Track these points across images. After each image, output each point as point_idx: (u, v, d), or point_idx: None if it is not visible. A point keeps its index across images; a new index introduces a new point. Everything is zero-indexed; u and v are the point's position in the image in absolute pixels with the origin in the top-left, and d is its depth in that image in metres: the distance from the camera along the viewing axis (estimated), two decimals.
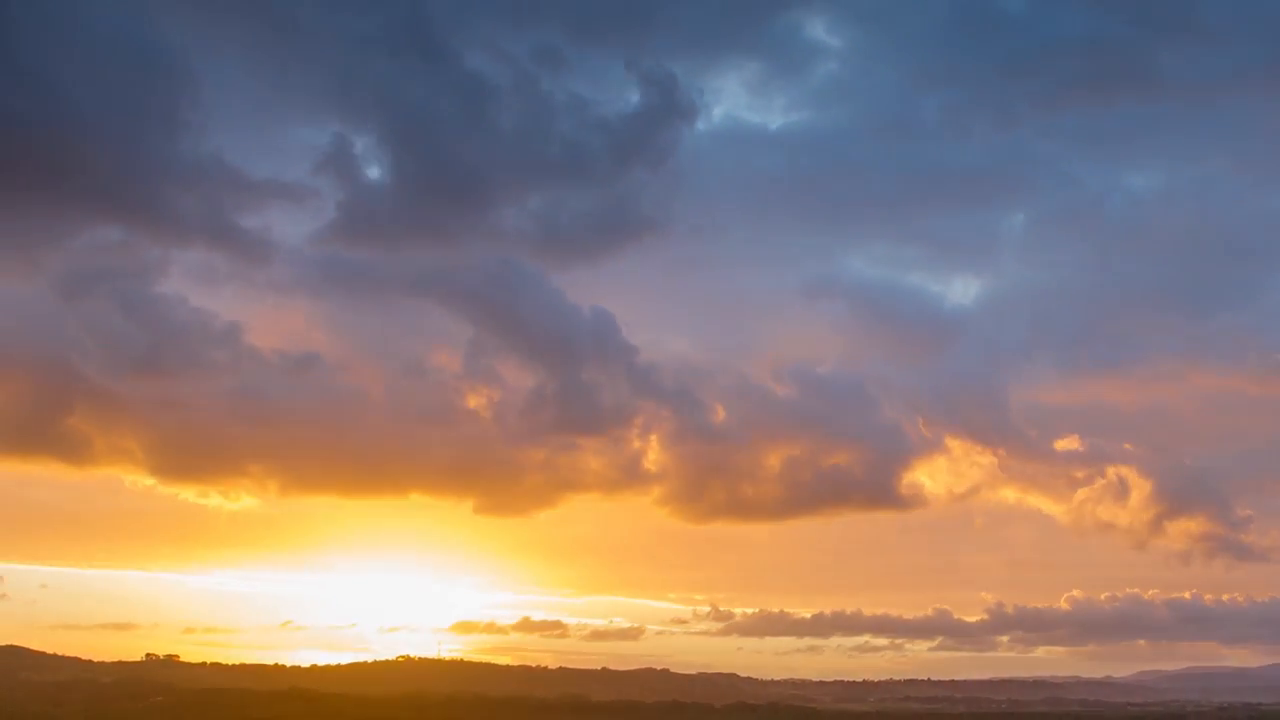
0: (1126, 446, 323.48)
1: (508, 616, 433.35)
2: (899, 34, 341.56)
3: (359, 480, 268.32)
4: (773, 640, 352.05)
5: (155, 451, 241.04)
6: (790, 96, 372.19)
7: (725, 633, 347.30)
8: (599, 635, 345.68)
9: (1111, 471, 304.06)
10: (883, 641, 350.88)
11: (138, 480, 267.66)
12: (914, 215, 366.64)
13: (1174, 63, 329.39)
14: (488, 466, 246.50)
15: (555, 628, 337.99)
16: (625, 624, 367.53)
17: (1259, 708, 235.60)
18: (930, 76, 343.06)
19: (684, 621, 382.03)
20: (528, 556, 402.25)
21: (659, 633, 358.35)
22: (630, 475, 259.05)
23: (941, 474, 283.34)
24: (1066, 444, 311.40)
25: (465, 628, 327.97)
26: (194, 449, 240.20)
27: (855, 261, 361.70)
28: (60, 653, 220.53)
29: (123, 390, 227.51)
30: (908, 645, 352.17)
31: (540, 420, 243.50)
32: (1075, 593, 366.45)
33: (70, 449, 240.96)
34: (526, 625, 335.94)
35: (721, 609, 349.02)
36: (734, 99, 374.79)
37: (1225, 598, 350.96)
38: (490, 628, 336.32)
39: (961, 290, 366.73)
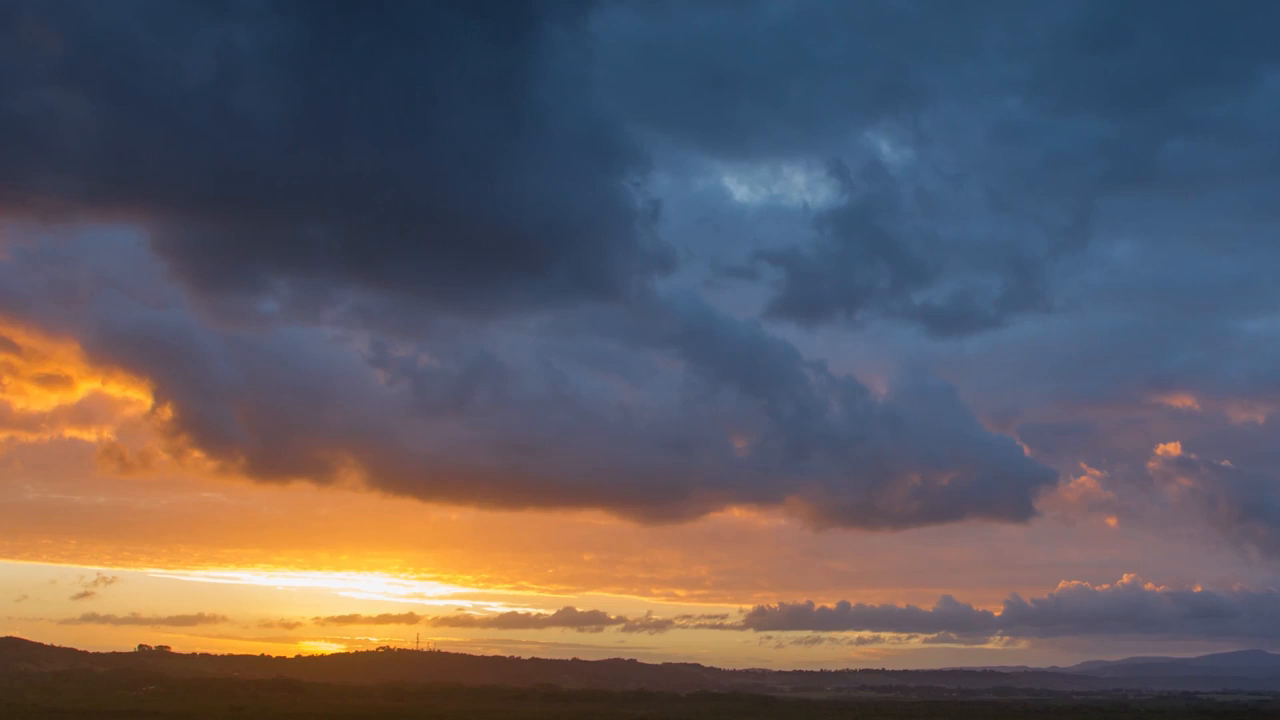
0: (1153, 459, 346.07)
1: (548, 611, 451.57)
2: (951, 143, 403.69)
3: (549, 498, 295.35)
4: (784, 634, 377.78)
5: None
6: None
7: (743, 627, 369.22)
8: (630, 628, 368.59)
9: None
10: (887, 635, 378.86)
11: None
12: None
13: (1173, 159, 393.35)
14: (651, 486, 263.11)
15: (592, 620, 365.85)
16: (659, 618, 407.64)
17: (1196, 696, 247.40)
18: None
19: (723, 617, 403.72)
20: (633, 560, 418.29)
21: (680, 627, 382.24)
22: (761, 493, 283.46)
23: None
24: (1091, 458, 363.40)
25: (510, 620, 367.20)
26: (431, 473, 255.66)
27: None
28: (57, 644, 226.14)
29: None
30: (910, 638, 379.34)
31: (715, 444, 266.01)
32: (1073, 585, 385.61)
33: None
34: (566, 617, 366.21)
35: (761, 607, 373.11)
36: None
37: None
38: (538, 619, 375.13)
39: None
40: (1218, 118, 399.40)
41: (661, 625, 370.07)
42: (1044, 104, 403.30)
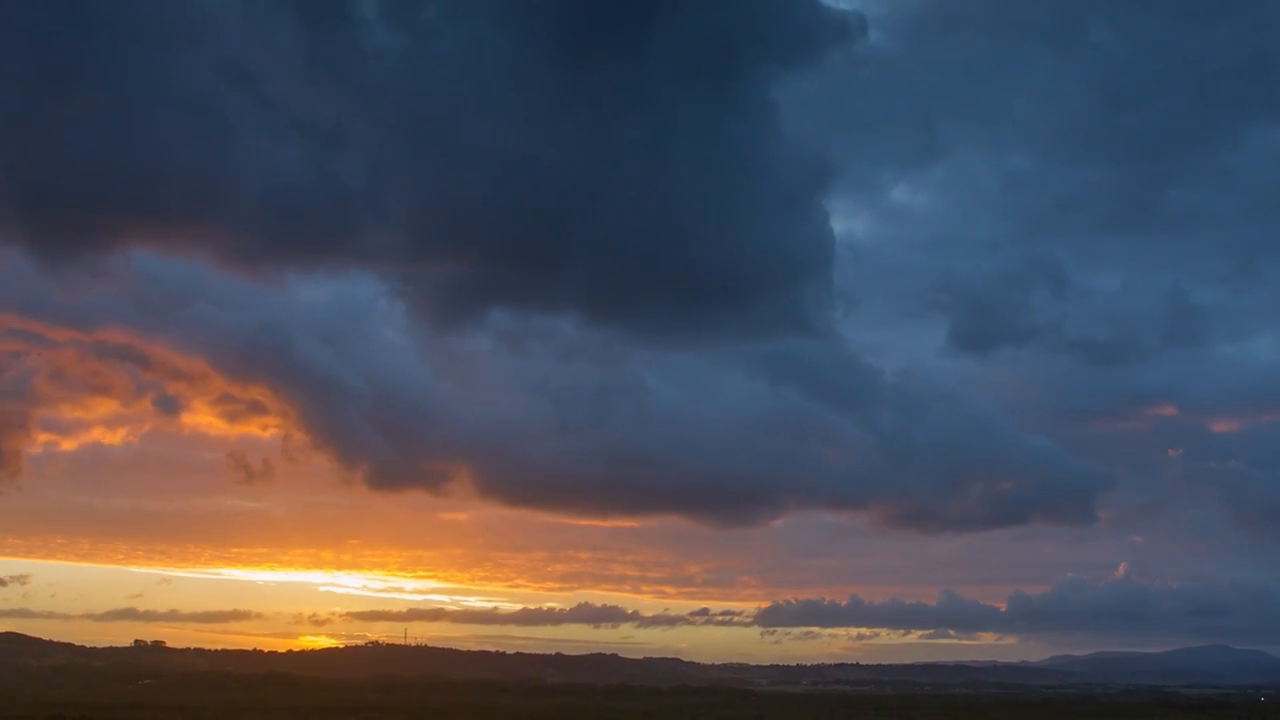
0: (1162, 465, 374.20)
1: (565, 606, 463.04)
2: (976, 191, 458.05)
3: (627, 505, 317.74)
4: (784, 630, 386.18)
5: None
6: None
7: (749, 624, 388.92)
8: (646, 624, 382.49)
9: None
10: (884, 630, 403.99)
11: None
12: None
13: (1172, 204, 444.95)
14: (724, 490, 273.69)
15: (611, 615, 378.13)
16: (673, 614, 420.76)
17: (1163, 690, 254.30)
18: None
19: (736, 613, 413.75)
20: (680, 558, 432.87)
21: (685, 623, 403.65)
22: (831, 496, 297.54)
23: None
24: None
25: (527, 615, 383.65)
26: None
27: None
28: (55, 639, 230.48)
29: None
30: (907, 633, 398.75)
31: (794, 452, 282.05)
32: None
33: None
34: (583, 613, 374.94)
35: (775, 603, 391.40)
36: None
37: None
38: (554, 614, 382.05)
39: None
40: (1211, 169, 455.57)
41: (673, 621, 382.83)
42: (1057, 155, 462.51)
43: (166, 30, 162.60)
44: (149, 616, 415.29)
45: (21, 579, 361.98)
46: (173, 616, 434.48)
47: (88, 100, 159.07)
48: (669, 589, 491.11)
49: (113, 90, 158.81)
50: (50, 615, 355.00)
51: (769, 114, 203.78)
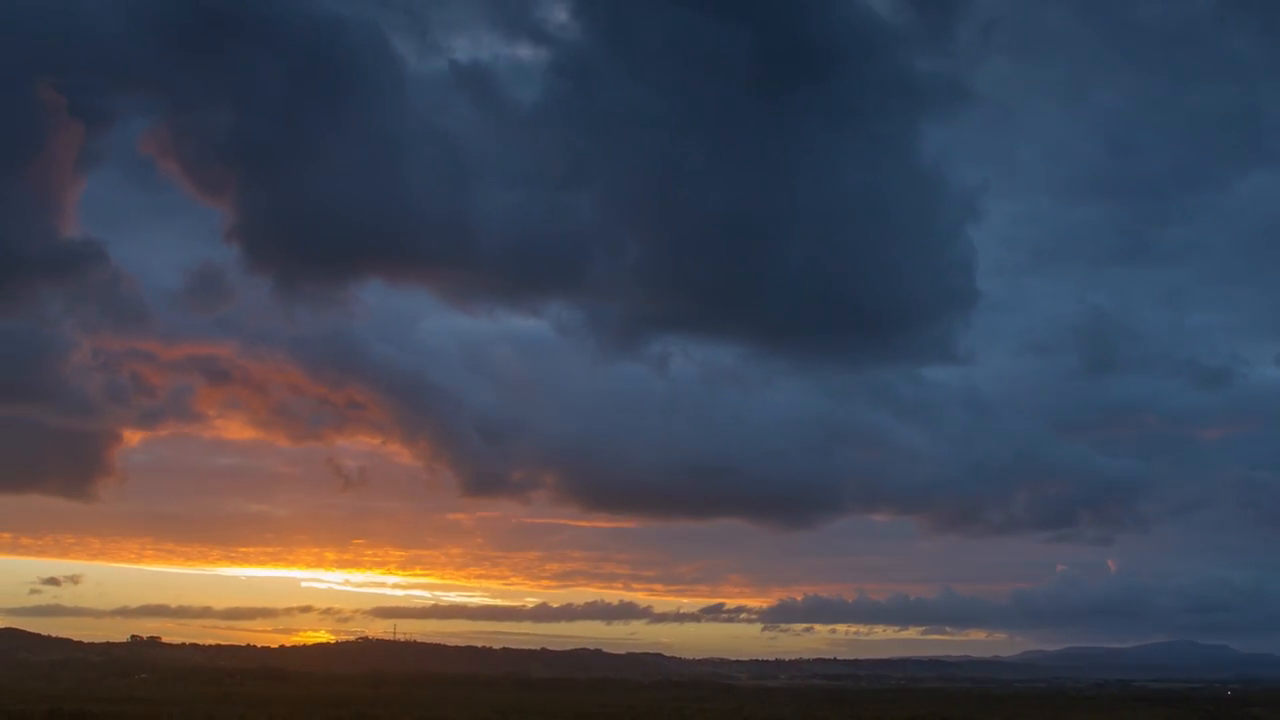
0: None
1: (577, 602, 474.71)
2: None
3: (688, 506, 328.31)
4: (781, 626, 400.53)
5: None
6: None
7: (754, 620, 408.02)
8: (659, 619, 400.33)
9: None
10: (880, 627, 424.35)
11: None
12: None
13: (1165, 240, 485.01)
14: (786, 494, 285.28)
15: (625, 611, 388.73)
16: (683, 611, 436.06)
17: (1132, 684, 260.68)
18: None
19: (747, 609, 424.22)
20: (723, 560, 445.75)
21: (694, 620, 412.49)
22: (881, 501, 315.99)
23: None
24: None
25: (541, 613, 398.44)
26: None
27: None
28: (54, 635, 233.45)
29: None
30: (904, 630, 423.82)
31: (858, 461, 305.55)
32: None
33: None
34: (594, 610, 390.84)
35: (781, 600, 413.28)
36: None
37: None
38: (569, 610, 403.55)
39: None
40: (1203, 208, 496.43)
41: (681, 618, 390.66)
42: (1067, 195, 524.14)
43: (412, 83, 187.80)
44: (183, 613, 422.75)
45: (74, 578, 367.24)
46: (206, 613, 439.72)
47: (340, 148, 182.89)
48: (658, 586, 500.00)
49: (360, 138, 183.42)
50: (81, 612, 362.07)
51: (920, 159, 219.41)
